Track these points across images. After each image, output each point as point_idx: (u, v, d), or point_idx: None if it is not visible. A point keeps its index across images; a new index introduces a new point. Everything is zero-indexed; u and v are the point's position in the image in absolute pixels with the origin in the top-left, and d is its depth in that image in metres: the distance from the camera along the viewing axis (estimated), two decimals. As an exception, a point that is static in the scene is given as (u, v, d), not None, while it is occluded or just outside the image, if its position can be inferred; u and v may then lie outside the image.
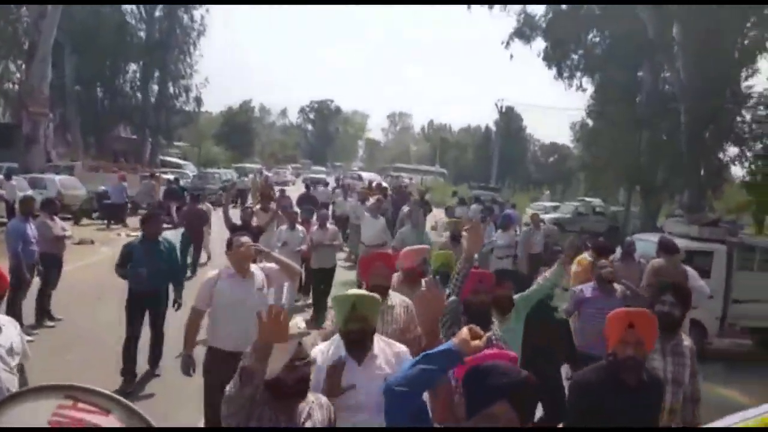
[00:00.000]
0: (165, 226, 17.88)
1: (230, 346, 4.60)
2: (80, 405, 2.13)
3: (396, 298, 4.50)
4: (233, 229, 8.66)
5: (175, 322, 6.63)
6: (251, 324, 4.54)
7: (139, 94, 42.68)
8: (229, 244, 4.95)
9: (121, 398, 2.28)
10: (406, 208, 13.57)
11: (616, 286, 6.12)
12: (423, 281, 5.48)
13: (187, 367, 4.96)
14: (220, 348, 4.74)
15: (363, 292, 3.47)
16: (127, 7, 41.31)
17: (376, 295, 3.40)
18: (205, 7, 43.09)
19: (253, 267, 5.00)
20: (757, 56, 22.79)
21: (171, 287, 7.32)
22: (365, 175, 44.34)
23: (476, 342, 2.29)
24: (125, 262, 6.91)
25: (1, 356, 3.29)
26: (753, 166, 22.13)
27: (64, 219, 11.73)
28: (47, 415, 1.95)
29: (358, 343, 3.17)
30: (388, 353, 3.25)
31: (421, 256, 5.63)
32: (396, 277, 5.24)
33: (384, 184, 26.99)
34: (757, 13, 21.24)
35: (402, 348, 3.37)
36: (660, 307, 3.95)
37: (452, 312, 4.21)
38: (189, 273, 12.59)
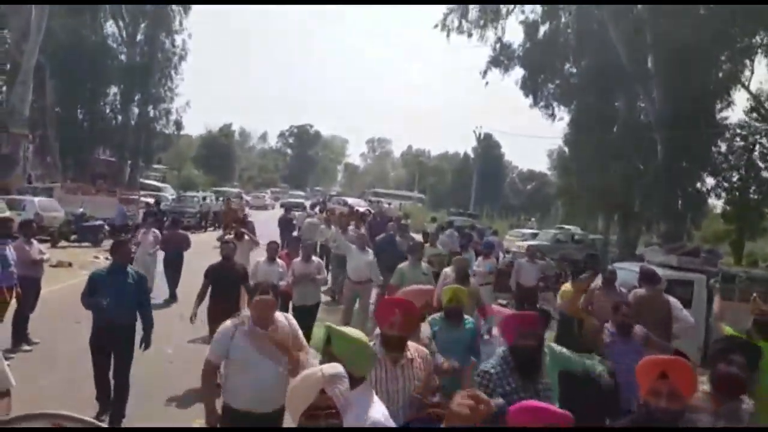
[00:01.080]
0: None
1: (243, 404, 4.30)
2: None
3: (414, 349, 3.98)
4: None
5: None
6: (268, 380, 4.27)
7: (119, 117, 42.63)
8: (254, 291, 4.48)
9: (105, 426, 2.27)
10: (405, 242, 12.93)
11: (637, 329, 5.64)
12: (422, 325, 5.00)
13: (214, 423, 4.44)
14: (232, 405, 4.35)
15: (344, 329, 3.15)
16: (109, 30, 41.52)
17: (360, 340, 3.08)
18: (187, 32, 43.38)
19: (279, 317, 4.50)
20: (731, 88, 23.20)
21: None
22: (351, 200, 44.06)
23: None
24: (92, 291, 6.18)
25: None
26: (730, 196, 22.34)
27: (41, 241, 11.57)
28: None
29: None
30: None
31: (425, 299, 5.22)
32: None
33: (371, 210, 27.01)
34: (729, 46, 21.70)
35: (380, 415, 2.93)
36: (726, 367, 3.58)
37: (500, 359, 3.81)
38: (169, 298, 12.52)
